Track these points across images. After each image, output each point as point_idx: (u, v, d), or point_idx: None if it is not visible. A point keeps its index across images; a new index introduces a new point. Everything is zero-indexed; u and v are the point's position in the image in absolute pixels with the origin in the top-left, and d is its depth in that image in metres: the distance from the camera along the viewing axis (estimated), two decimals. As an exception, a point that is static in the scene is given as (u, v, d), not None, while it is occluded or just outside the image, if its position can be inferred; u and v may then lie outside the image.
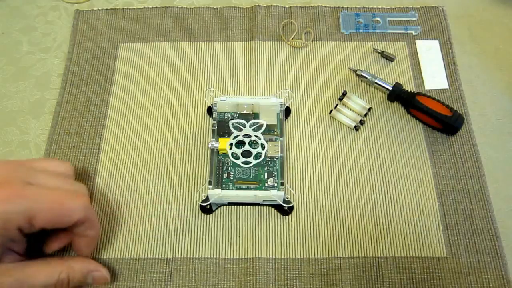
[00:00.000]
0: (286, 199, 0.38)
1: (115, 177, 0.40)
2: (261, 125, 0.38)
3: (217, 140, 0.38)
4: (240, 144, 0.39)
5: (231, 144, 0.38)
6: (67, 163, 0.35)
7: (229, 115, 0.40)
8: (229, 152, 0.38)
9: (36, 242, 0.33)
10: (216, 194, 0.36)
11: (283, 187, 0.37)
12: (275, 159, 0.38)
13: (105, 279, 0.34)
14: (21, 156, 0.41)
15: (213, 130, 0.39)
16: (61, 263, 0.32)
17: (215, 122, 0.40)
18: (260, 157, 0.38)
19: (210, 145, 0.38)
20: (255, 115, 0.40)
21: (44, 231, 0.31)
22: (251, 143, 0.39)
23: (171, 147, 0.41)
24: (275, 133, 0.39)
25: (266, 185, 0.37)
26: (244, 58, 0.46)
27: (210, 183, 0.37)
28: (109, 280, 0.34)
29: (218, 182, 0.37)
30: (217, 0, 0.50)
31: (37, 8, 0.50)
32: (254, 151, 0.38)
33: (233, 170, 0.38)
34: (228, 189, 0.37)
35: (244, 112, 0.40)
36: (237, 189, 0.37)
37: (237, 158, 0.38)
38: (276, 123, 0.40)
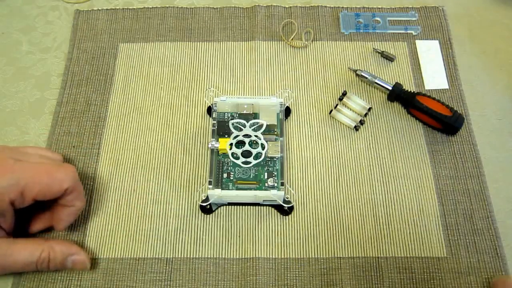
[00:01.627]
0: (286, 199, 0.38)
1: (115, 177, 0.40)
2: (261, 125, 0.39)
3: (217, 140, 0.38)
4: (240, 144, 0.39)
5: (231, 144, 0.38)
6: (58, 154, 0.37)
7: (229, 115, 0.40)
8: (229, 152, 0.38)
9: (22, 224, 0.34)
10: (216, 194, 0.36)
11: (283, 187, 0.37)
12: (275, 159, 0.38)
13: (84, 263, 0.35)
14: (21, 156, 0.41)
15: (213, 130, 0.39)
16: (43, 243, 0.33)
17: (215, 122, 0.40)
18: (260, 157, 0.38)
19: (210, 145, 0.38)
20: (255, 115, 0.40)
21: (29, 212, 0.33)
22: (251, 143, 0.39)
23: (171, 147, 0.41)
24: (275, 133, 0.39)
25: (266, 185, 0.37)
26: (244, 58, 0.46)
27: (210, 183, 0.37)
28: (88, 266, 0.35)
29: (218, 182, 0.37)
30: (217, 0, 0.50)
31: (37, 8, 0.50)
32: (254, 151, 0.38)
33: (233, 170, 0.38)
34: (228, 189, 0.37)
35: (244, 112, 0.40)
36: (237, 189, 0.37)
37: (237, 158, 0.38)
38: (276, 123, 0.40)
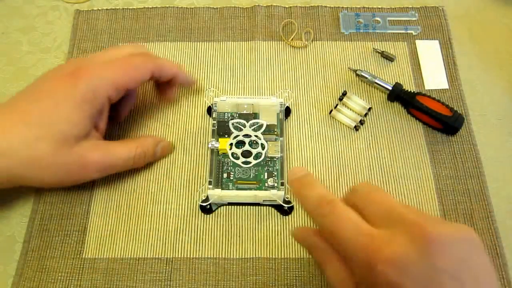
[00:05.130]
0: (286, 199, 0.38)
1: (115, 177, 0.40)
2: (261, 125, 0.39)
3: (217, 140, 0.38)
4: (240, 144, 0.39)
5: (231, 144, 0.38)
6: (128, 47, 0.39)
7: (229, 115, 0.40)
8: (229, 152, 0.38)
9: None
10: (216, 194, 0.36)
11: (283, 187, 0.37)
12: (275, 159, 0.38)
13: (170, 147, 0.40)
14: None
15: (213, 130, 0.39)
16: (134, 141, 0.38)
17: (215, 122, 0.40)
18: (260, 157, 0.38)
19: (210, 145, 0.38)
20: (255, 115, 0.40)
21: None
22: (251, 143, 0.39)
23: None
24: (275, 133, 0.39)
25: (266, 185, 0.37)
26: (244, 58, 0.46)
27: (210, 183, 0.37)
28: (172, 149, 0.40)
29: (218, 182, 0.37)
30: (217, 0, 0.50)
31: (37, 8, 0.50)
32: (254, 151, 0.38)
33: (233, 170, 0.38)
34: (228, 189, 0.37)
35: (244, 112, 0.40)
36: (237, 189, 0.37)
37: (237, 158, 0.38)
38: (276, 123, 0.40)
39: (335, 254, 0.26)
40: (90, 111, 0.33)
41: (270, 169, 0.38)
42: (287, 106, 0.42)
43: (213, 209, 0.38)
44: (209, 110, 0.42)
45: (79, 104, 0.32)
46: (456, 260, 0.22)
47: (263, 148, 0.38)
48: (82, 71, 0.33)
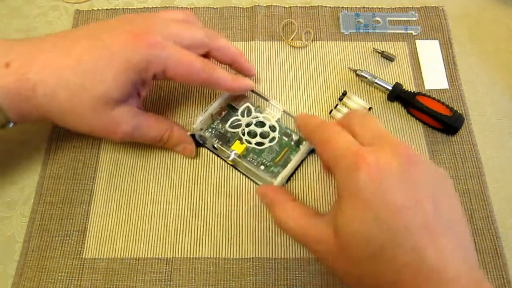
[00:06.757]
0: None
1: (115, 177, 0.40)
2: (248, 107, 0.40)
3: (232, 150, 0.38)
4: (249, 134, 0.40)
5: (246, 141, 0.39)
6: (186, 12, 0.39)
7: (211, 129, 0.40)
8: (252, 145, 0.39)
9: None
10: (281, 180, 0.36)
11: None
12: (278, 121, 0.40)
13: (191, 152, 0.39)
14: (21, 155, 0.41)
15: (221, 145, 0.39)
16: (168, 124, 0.38)
17: (215, 139, 0.40)
18: (275, 127, 0.39)
19: (232, 157, 0.38)
20: (230, 107, 0.41)
21: None
22: (257, 125, 0.40)
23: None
24: (257, 106, 0.41)
25: (293, 142, 0.39)
26: (244, 58, 0.46)
27: (271, 176, 0.37)
28: (193, 155, 0.40)
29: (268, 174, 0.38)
30: (217, 0, 0.50)
31: (37, 8, 0.50)
32: (266, 129, 0.39)
33: (262, 158, 0.39)
34: (277, 172, 0.37)
35: (223, 113, 0.41)
36: (282, 166, 0.38)
37: (262, 144, 0.39)
38: (248, 96, 0.42)
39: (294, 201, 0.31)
40: (136, 78, 0.33)
41: (282, 130, 0.40)
42: None
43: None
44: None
45: (131, 68, 0.32)
46: (431, 182, 0.26)
47: (269, 120, 0.40)
48: (148, 37, 0.33)
